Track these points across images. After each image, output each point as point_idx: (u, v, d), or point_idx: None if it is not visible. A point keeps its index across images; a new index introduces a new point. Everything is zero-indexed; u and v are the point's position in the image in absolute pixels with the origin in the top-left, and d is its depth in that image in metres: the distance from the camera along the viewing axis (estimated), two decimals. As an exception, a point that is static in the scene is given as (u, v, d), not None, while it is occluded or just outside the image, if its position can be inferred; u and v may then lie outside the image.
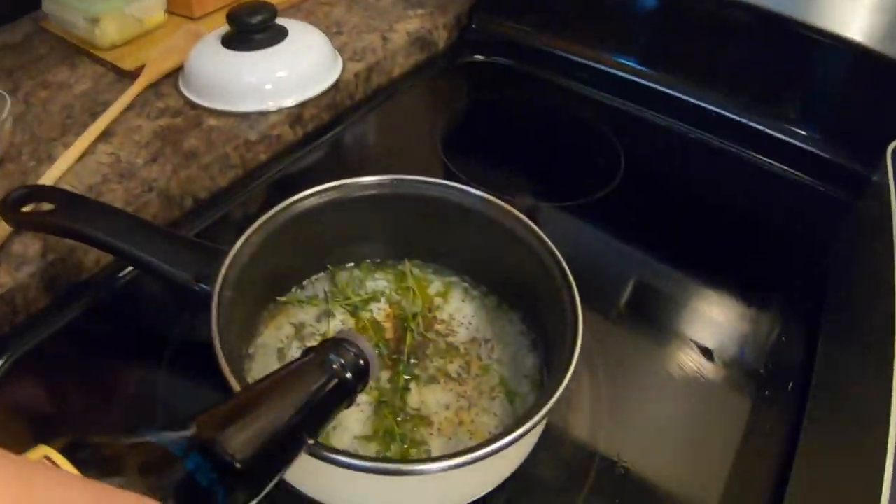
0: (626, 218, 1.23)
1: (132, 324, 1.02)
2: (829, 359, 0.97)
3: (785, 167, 1.36)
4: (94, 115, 1.20)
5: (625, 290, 1.11)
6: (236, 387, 0.69)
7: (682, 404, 0.96)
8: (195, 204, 1.16)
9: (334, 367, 0.65)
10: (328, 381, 0.65)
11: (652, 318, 1.07)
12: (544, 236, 0.85)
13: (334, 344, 0.68)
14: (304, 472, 0.76)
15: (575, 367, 0.73)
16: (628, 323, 1.07)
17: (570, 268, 0.82)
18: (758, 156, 1.37)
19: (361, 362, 0.67)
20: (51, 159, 1.10)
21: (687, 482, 0.88)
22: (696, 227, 1.23)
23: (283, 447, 0.61)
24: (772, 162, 1.36)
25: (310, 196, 0.88)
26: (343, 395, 0.66)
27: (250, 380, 0.84)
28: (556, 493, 0.85)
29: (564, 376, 0.73)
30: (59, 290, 0.99)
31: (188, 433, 0.54)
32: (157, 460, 0.51)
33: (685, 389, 0.97)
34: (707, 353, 1.01)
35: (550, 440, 0.86)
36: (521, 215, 0.87)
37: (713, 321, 1.07)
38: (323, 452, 0.65)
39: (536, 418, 0.70)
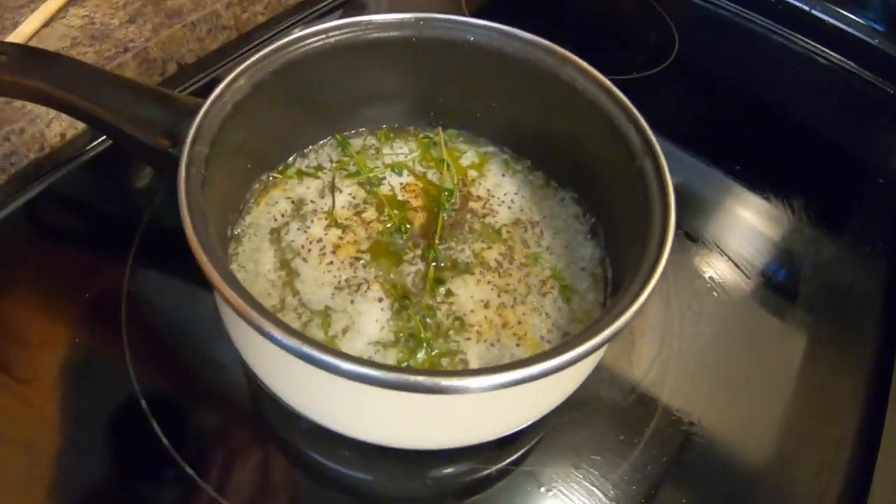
0: (675, 105, 0.98)
1: (99, 205, 0.79)
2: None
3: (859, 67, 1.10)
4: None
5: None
6: (212, 272, 0.46)
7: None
8: (179, 69, 0.90)
9: None
10: None
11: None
12: (617, 91, 0.60)
13: None
14: (295, 382, 0.53)
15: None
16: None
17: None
18: (830, 52, 1.11)
19: None
20: (16, 27, 0.85)
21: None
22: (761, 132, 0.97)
23: None
24: (843, 60, 1.11)
25: (312, 36, 0.62)
26: None
27: (235, 266, 0.61)
28: (607, 438, 0.62)
29: (654, 272, 0.49)
30: (17, 166, 0.76)
31: None
32: None
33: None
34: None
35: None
36: (587, 65, 0.62)
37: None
38: (322, 356, 0.42)
39: (621, 321, 0.46)
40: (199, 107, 0.56)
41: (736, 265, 0.78)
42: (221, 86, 0.58)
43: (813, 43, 1.13)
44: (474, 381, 0.43)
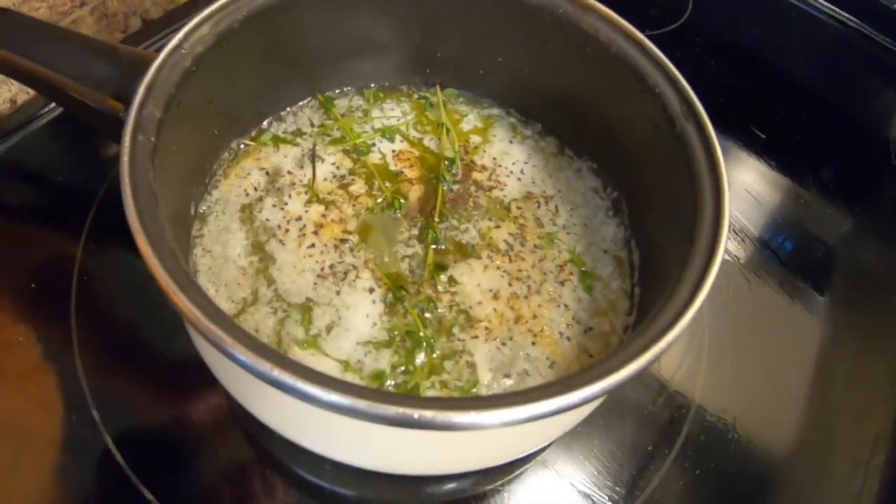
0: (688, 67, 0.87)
1: (53, 176, 0.69)
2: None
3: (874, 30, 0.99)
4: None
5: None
6: (151, 257, 0.36)
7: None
8: (144, 25, 0.79)
9: None
10: None
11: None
12: (651, 45, 0.50)
13: None
14: (262, 399, 0.43)
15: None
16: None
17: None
18: (844, 14, 1.01)
19: None
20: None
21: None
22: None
23: None
24: (855, 20, 1.00)
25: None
26: None
27: (199, 251, 0.51)
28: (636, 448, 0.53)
29: (710, 266, 0.39)
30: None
31: None
32: None
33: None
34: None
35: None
36: (614, 15, 0.51)
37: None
38: (283, 378, 0.33)
39: (662, 344, 0.36)
40: (151, 61, 0.46)
41: (760, 246, 0.68)
42: (179, 35, 0.47)
43: (827, 4, 1.02)
44: (483, 416, 0.33)
